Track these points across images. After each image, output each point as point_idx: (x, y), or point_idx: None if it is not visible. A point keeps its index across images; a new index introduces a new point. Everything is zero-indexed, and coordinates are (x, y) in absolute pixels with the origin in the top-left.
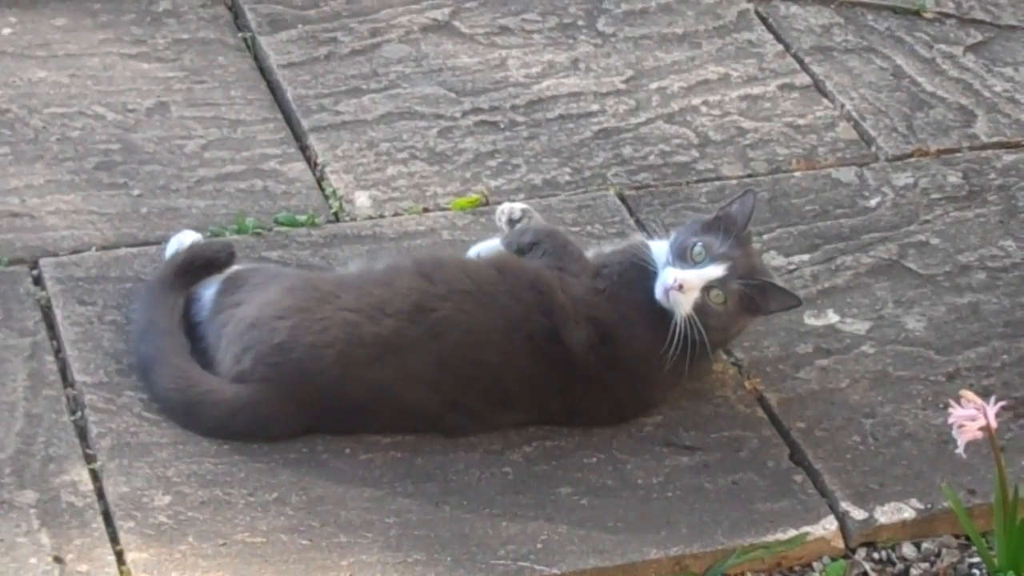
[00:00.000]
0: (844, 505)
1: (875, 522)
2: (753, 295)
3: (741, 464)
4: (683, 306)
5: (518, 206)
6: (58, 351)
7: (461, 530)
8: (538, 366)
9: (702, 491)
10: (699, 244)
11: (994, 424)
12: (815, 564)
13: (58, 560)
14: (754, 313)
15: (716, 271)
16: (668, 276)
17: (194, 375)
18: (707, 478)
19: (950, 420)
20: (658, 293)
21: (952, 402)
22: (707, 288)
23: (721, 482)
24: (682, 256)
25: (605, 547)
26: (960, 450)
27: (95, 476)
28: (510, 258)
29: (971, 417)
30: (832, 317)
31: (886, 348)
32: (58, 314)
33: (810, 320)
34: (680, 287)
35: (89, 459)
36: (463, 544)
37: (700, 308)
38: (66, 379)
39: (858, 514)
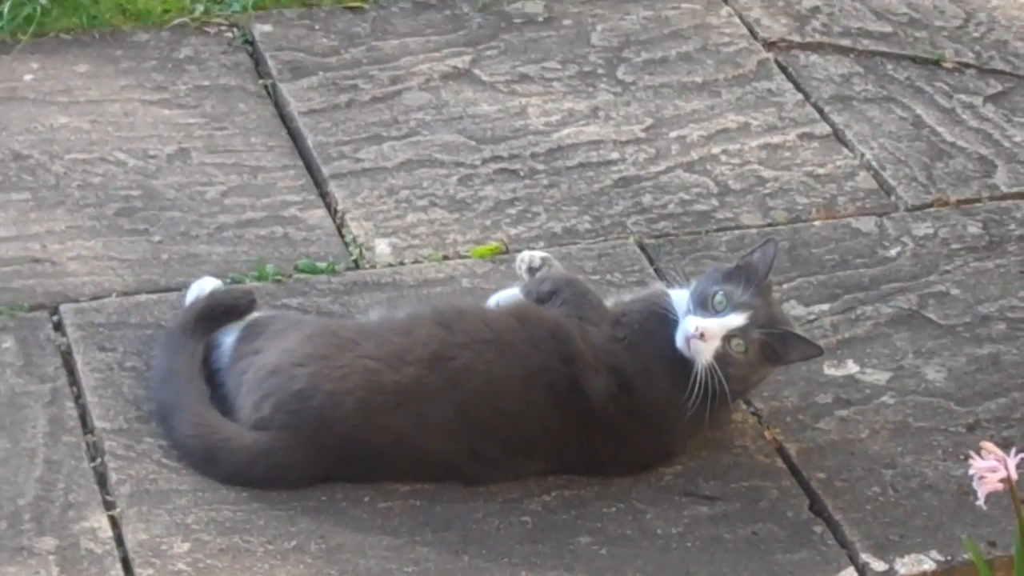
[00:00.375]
0: (864, 556)
1: (895, 574)
2: (774, 344)
3: (760, 514)
4: (704, 355)
5: (538, 254)
6: (78, 397)
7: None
8: (558, 415)
9: (721, 541)
10: (720, 293)
11: (1015, 476)
12: None
13: None
14: (775, 363)
15: (737, 320)
16: (689, 324)
17: (213, 422)
18: (726, 528)
19: (970, 472)
20: (679, 341)
21: (973, 454)
22: (728, 337)
23: (740, 532)
24: (703, 304)
25: None
26: (980, 502)
27: (114, 523)
28: (530, 307)
29: (992, 468)
30: (852, 367)
31: (906, 399)
32: (78, 360)
33: (830, 370)
34: (701, 336)
35: (108, 505)
36: None
37: (721, 357)
38: (86, 425)
39: (878, 565)
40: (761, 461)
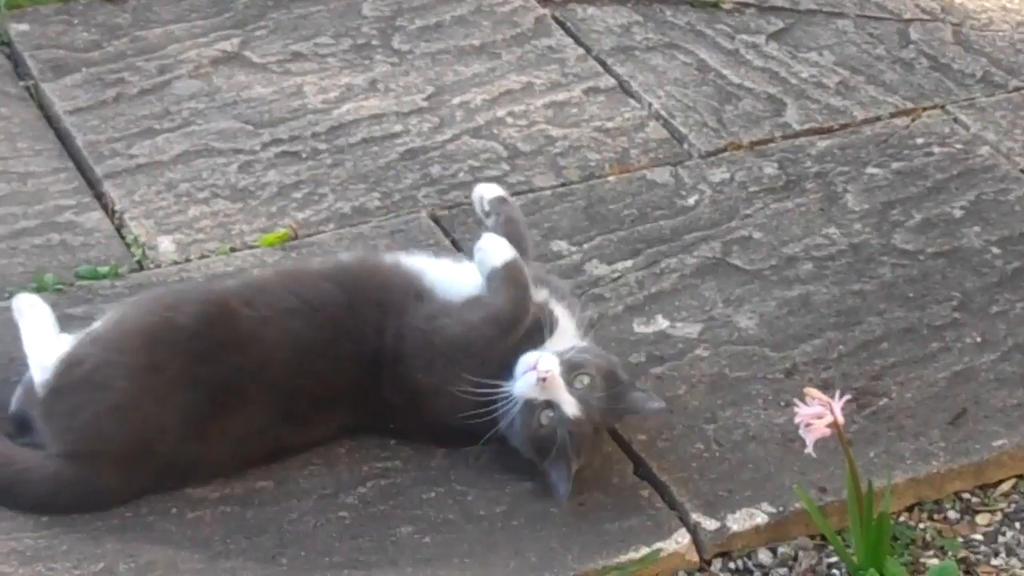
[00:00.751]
0: (695, 516)
1: (728, 531)
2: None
3: (585, 484)
4: (519, 391)
5: (488, 195)
6: None
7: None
8: (363, 373)
9: (548, 516)
10: (588, 378)
11: (841, 419)
12: None
13: None
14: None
15: (570, 408)
16: (546, 361)
17: (10, 454)
18: (552, 502)
19: (796, 419)
20: (524, 360)
21: (796, 400)
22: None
23: (566, 504)
24: (570, 370)
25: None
26: (809, 449)
27: None
28: (371, 268)
29: (818, 415)
30: (662, 322)
31: (720, 349)
32: None
33: (640, 328)
34: (544, 378)
35: None
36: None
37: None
38: None
39: (710, 524)
40: None
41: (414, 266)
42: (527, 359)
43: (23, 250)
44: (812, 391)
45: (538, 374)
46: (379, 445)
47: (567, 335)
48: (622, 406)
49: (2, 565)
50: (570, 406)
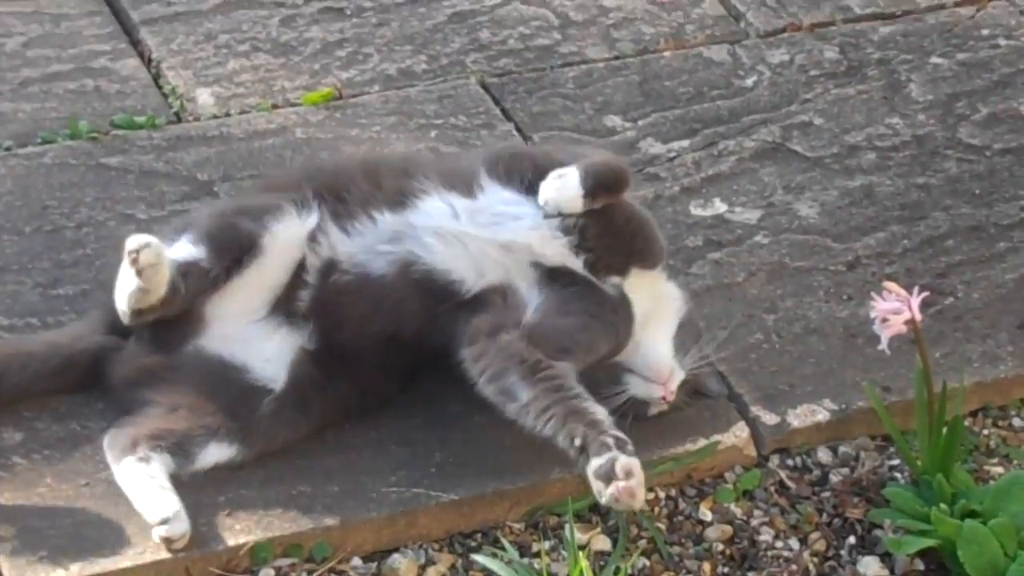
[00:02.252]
0: (754, 410)
1: (788, 427)
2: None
3: None
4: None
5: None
6: None
7: (347, 458)
8: None
9: None
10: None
11: (919, 316)
12: (727, 475)
13: None
14: None
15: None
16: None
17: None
18: None
19: (872, 314)
20: (653, 372)
21: (874, 295)
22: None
23: None
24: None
25: (504, 468)
26: (884, 346)
27: None
28: None
29: (895, 310)
30: (720, 206)
31: (780, 237)
32: None
33: (697, 210)
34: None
35: None
36: (350, 473)
37: None
38: None
39: (769, 419)
40: None
41: None
42: (659, 369)
43: (56, 95)
44: (891, 285)
45: (664, 393)
46: None
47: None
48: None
49: (35, 421)
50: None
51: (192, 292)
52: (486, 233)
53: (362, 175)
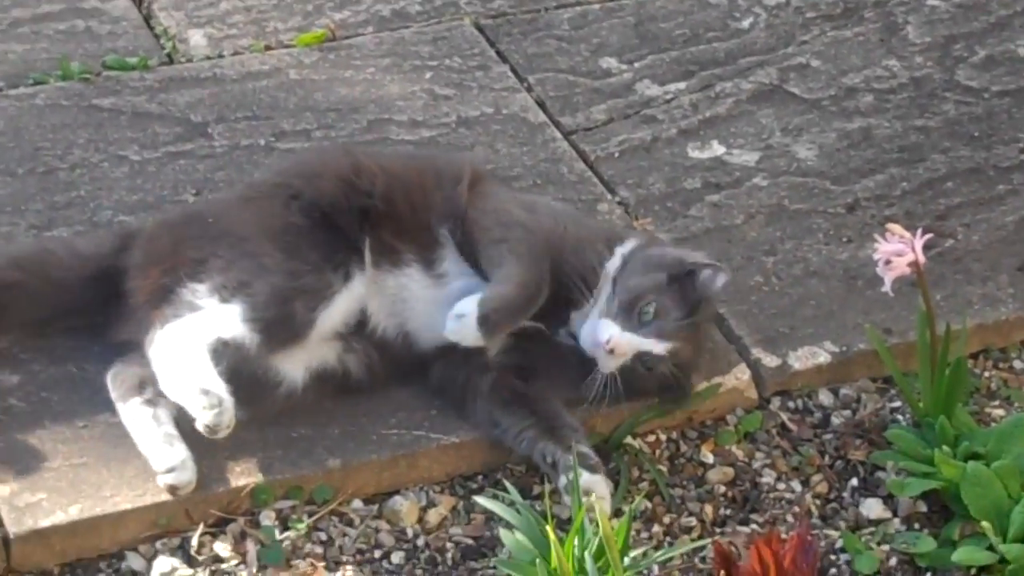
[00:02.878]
0: (755, 352)
1: (789, 369)
2: (672, 384)
3: None
4: (607, 367)
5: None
6: None
7: (347, 400)
8: None
9: None
10: (653, 305)
11: (922, 258)
12: (728, 417)
13: None
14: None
15: (657, 347)
16: (604, 332)
17: None
18: None
19: (875, 256)
20: (585, 341)
21: (877, 236)
22: (640, 355)
23: None
24: (629, 309)
25: None
26: (887, 288)
27: None
28: None
29: (898, 252)
30: (718, 148)
31: (779, 180)
32: None
33: (695, 152)
34: (612, 351)
35: None
36: (350, 415)
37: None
38: None
39: (771, 361)
40: None
41: None
42: (592, 338)
43: (46, 35)
44: (894, 227)
45: (606, 348)
46: None
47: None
48: (696, 295)
49: (32, 364)
50: (654, 344)
51: (227, 370)
52: None
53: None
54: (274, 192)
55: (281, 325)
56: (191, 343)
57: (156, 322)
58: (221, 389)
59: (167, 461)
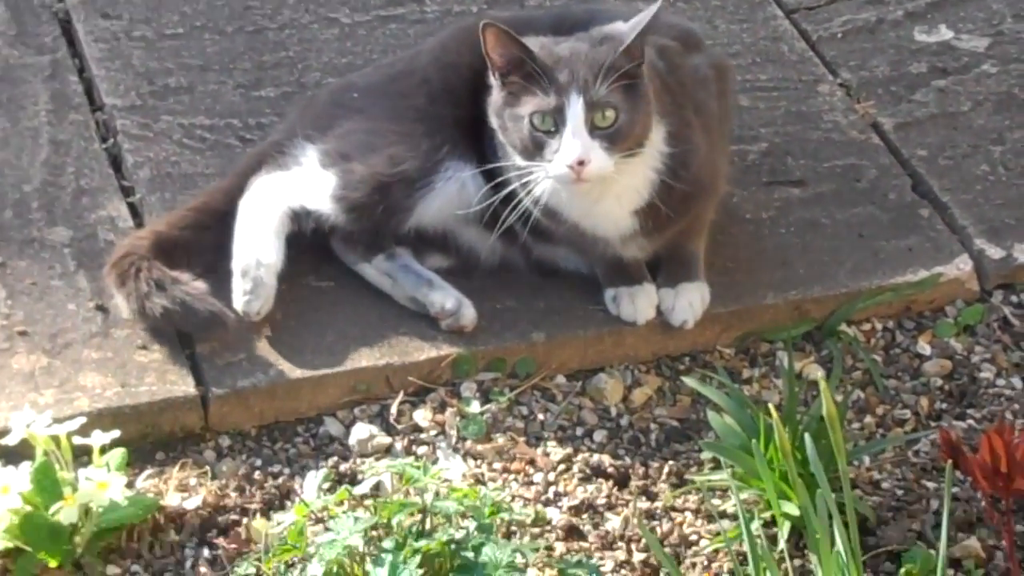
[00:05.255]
0: (979, 242)
1: (1014, 261)
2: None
3: (859, 197)
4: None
5: None
6: (82, 71)
7: (554, 275)
8: None
9: (818, 227)
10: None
11: None
12: (948, 309)
13: (101, 309)
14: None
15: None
16: (571, 153)
17: None
18: (822, 212)
19: None
20: (556, 169)
21: None
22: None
23: (839, 217)
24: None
25: (716, 291)
26: None
27: (134, 211)
28: None
29: None
30: (945, 32)
31: (1009, 67)
32: (79, 28)
33: (921, 36)
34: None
35: (126, 191)
36: (557, 290)
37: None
38: (93, 102)
39: (995, 252)
40: (855, 137)
41: None
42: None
43: None
44: None
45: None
46: None
47: None
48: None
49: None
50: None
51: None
52: None
53: None
54: (410, 76)
55: (368, 209)
56: (274, 203)
57: (262, 167)
58: (270, 266)
59: (447, 302)
